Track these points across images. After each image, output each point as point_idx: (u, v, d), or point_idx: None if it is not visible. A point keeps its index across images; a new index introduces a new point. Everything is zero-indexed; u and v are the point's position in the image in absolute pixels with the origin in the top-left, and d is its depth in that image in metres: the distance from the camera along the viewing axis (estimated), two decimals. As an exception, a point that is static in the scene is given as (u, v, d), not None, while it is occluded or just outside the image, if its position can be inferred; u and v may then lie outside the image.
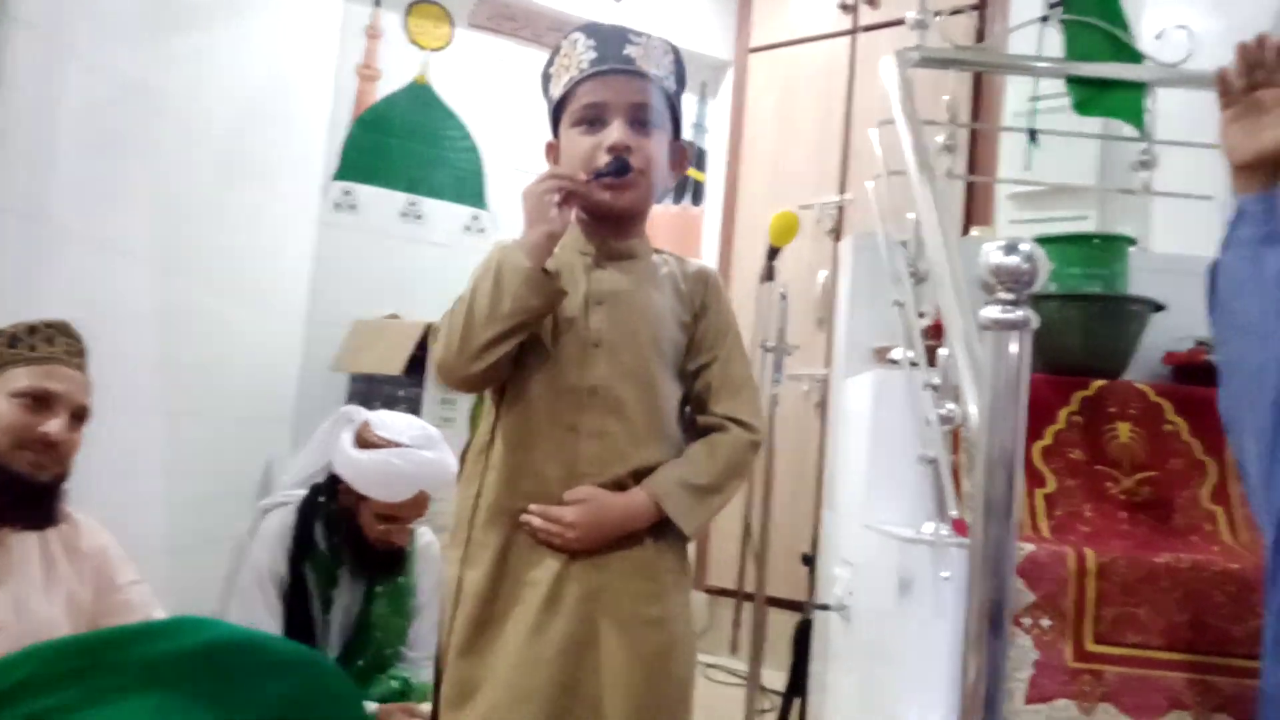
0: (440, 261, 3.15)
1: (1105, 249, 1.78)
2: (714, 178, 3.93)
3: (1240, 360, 1.20)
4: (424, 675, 1.83)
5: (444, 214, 3.21)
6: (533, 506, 1.25)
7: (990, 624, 1.17)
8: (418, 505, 1.75)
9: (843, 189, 3.58)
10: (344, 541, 1.78)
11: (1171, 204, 2.27)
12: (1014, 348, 1.21)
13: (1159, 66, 2.18)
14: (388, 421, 1.76)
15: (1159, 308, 1.82)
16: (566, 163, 1.32)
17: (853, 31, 3.65)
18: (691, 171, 3.92)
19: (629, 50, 1.30)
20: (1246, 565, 1.45)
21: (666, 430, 1.31)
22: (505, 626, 1.23)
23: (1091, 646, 1.44)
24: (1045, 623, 1.45)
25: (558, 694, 1.21)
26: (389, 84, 3.15)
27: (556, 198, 1.22)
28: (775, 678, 2.88)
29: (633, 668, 1.22)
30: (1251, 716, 1.32)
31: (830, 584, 2.06)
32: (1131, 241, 1.87)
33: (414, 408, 2.49)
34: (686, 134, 4.00)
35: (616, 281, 1.32)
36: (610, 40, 1.30)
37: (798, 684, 2.55)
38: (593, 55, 1.29)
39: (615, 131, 1.27)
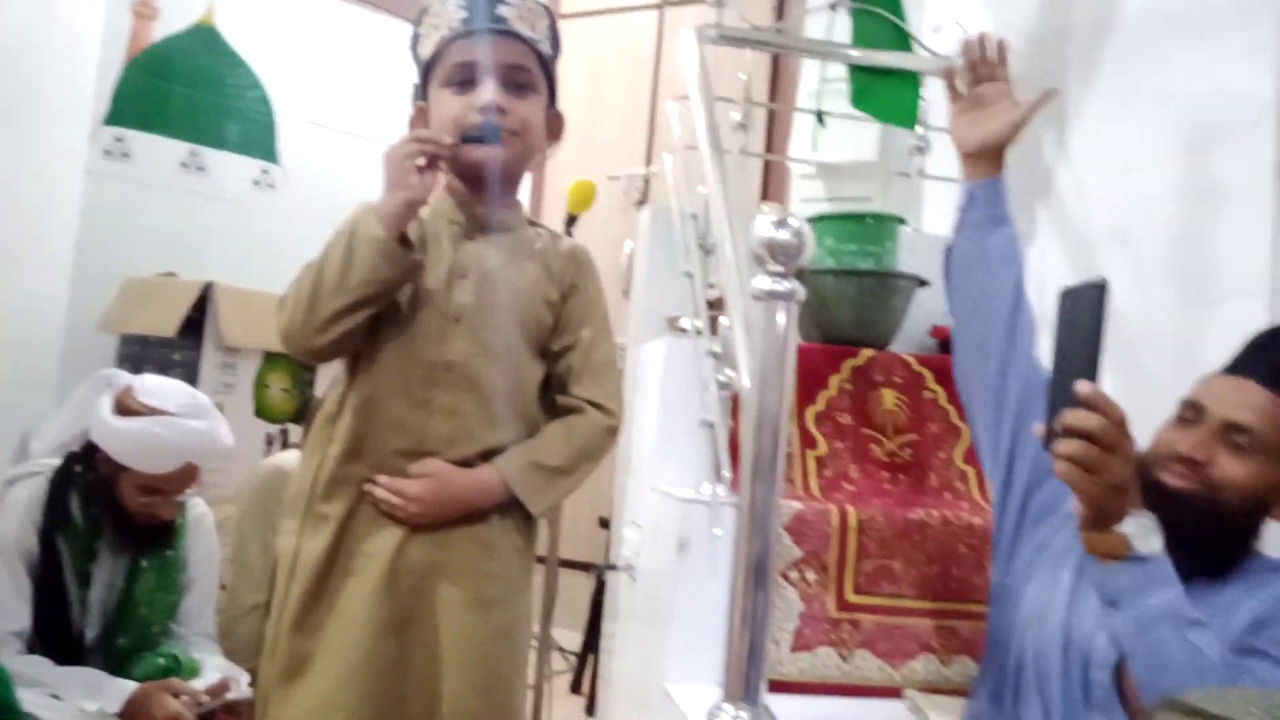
0: (225, 217, 2.97)
1: (877, 228, 1.89)
2: (523, 144, 3.90)
3: (969, 334, 1.32)
4: (194, 652, 1.75)
5: (230, 166, 3.02)
6: (378, 478, 1.21)
7: (755, 577, 1.23)
8: (185, 477, 1.65)
9: (649, 161, 3.64)
10: (103, 514, 1.66)
11: (943, 187, 2.44)
12: (782, 318, 1.28)
13: (934, 58, 2.33)
14: (152, 387, 1.65)
15: (923, 283, 1.95)
16: (436, 126, 1.27)
17: (660, 5, 3.69)
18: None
19: (502, 10, 1.25)
20: (989, 520, 1.59)
21: (523, 411, 1.29)
22: (340, 600, 1.20)
23: (851, 597, 1.55)
24: (810, 576, 1.54)
25: (389, 671, 1.19)
26: (168, 24, 2.92)
27: (419, 161, 1.17)
28: (575, 639, 2.93)
29: (469, 647, 1.21)
30: (984, 656, 1.45)
31: (621, 546, 2.11)
32: (902, 221, 1.99)
33: (190, 372, 2.35)
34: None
35: (484, 255, 1.29)
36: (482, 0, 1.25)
37: (593, 643, 2.61)
38: (463, 15, 1.24)
39: (487, 91, 1.23)
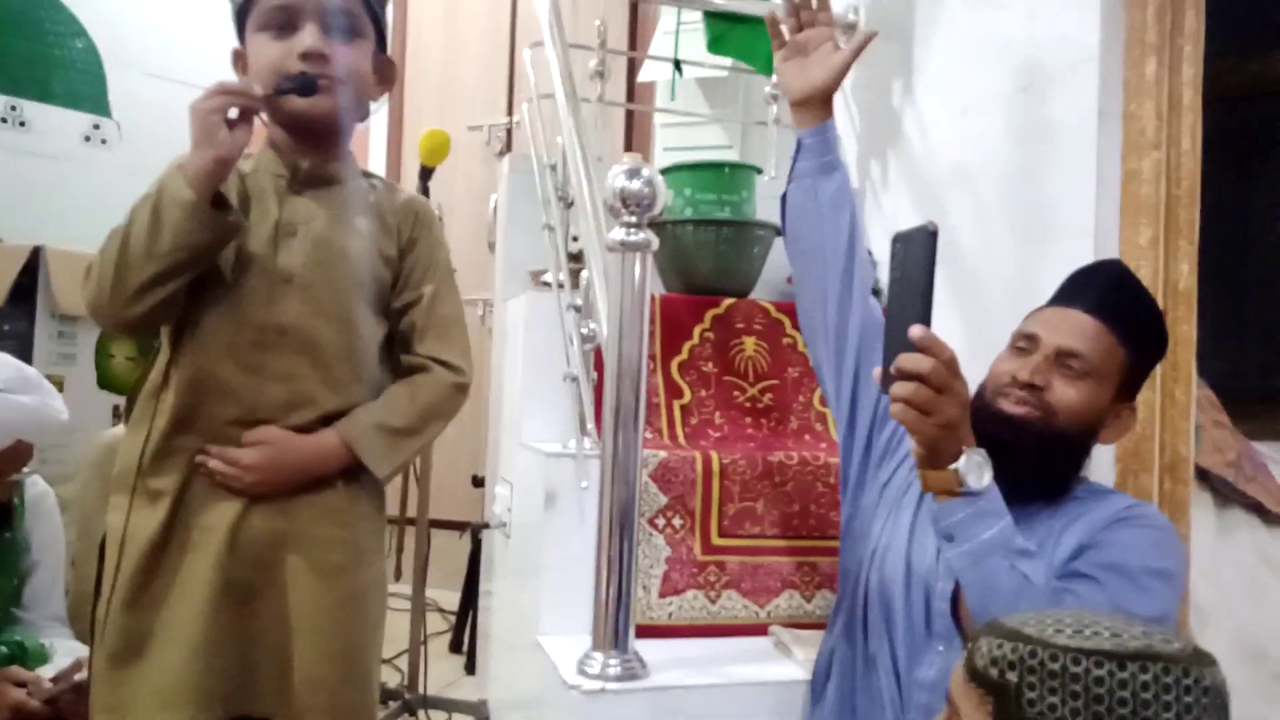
0: (53, 176, 2.76)
1: (735, 177, 1.91)
2: (379, 93, 3.76)
3: (808, 281, 1.35)
4: (43, 636, 1.66)
5: (56, 122, 2.80)
6: (210, 449, 1.16)
7: (620, 526, 1.26)
8: (17, 456, 1.55)
9: (511, 110, 3.57)
10: (-74, 499, 1.55)
11: (800, 136, 2.48)
12: (637, 268, 1.29)
13: (787, 3, 2.35)
14: (-27, 361, 1.54)
15: (780, 231, 1.99)
16: (255, 73, 1.19)
17: (516, -52, 3.60)
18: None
19: None
20: (845, 458, 1.65)
21: (365, 373, 1.25)
22: (179, 576, 1.15)
23: (716, 540, 1.59)
24: (677, 522, 1.57)
25: (235, 644, 1.15)
26: (-26, -35, 2.68)
27: (230, 115, 1.09)
28: (454, 599, 2.92)
29: (319, 615, 1.19)
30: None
31: (494, 503, 2.10)
32: (758, 170, 2.02)
33: (23, 344, 2.20)
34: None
35: (312, 210, 1.23)
36: None
37: (472, 602, 2.61)
38: None
39: (307, 37, 1.16)
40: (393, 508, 2.58)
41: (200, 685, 1.13)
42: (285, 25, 1.18)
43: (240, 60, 1.25)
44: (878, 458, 1.27)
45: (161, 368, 1.20)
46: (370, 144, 3.75)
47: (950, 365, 0.95)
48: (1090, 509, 1.09)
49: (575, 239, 1.92)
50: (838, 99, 2.47)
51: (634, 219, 1.28)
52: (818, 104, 1.34)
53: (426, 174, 2.16)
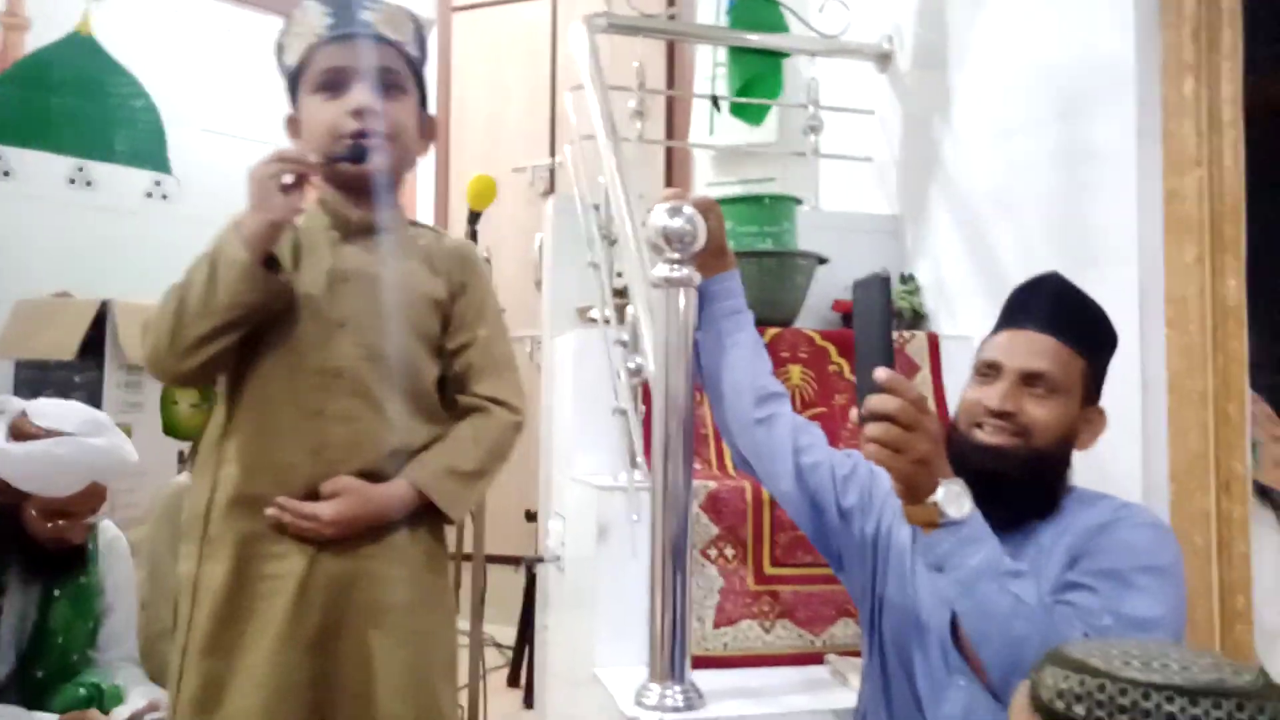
0: (119, 232, 2.88)
1: (775, 208, 1.94)
2: (425, 139, 3.86)
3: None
4: (118, 679, 1.71)
5: (120, 179, 2.93)
6: (281, 500, 1.19)
7: (673, 557, 1.27)
8: (91, 498, 1.61)
9: (553, 151, 3.63)
10: (8, 544, 1.61)
11: (839, 165, 2.51)
12: (682, 303, 1.32)
13: (821, 38, 2.39)
14: (47, 410, 1.60)
15: (823, 260, 2.01)
16: (309, 133, 1.25)
17: (554, -7, 3.69)
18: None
19: (365, 15, 1.26)
20: (895, 485, 1.65)
21: (421, 410, 1.28)
22: (255, 622, 1.18)
23: (769, 569, 1.60)
24: (729, 552, 1.58)
25: (319, 687, 1.19)
26: (41, 35, 2.81)
27: (285, 180, 1.15)
28: (510, 633, 2.95)
29: (392, 652, 1.22)
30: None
31: (548, 538, 2.13)
32: (798, 201, 2.04)
33: (94, 394, 2.28)
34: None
35: (364, 258, 1.27)
36: (345, 6, 1.26)
37: (528, 636, 2.63)
38: (329, 21, 1.25)
39: (359, 95, 1.23)
40: (448, 544, 2.62)
41: None
42: (336, 85, 1.24)
43: (293, 124, 1.30)
44: (858, 523, 1.27)
45: (222, 417, 1.24)
46: (418, 188, 3.85)
47: (918, 403, 0.97)
48: (1079, 518, 1.10)
49: (619, 275, 1.95)
50: (876, 128, 2.50)
51: (677, 255, 1.31)
52: (712, 257, 1.37)
53: (474, 218, 2.22)
